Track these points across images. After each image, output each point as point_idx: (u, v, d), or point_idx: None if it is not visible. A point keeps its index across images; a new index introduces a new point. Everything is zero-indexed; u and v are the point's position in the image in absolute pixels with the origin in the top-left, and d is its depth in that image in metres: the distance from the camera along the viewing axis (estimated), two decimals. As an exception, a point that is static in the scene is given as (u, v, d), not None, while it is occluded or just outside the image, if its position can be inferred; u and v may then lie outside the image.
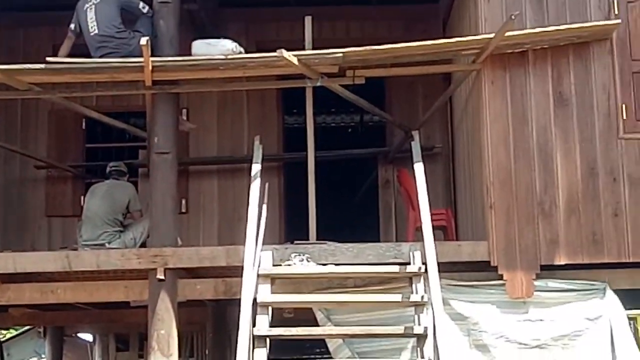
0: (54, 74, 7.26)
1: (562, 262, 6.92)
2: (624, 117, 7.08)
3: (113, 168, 8.49)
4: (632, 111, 7.10)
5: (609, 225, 6.94)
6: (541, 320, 6.85)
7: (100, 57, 7.40)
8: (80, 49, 7.61)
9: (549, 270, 6.96)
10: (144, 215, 8.14)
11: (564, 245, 6.92)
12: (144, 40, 6.86)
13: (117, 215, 8.13)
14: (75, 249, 7.95)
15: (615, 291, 6.94)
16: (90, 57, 7.45)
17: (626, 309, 6.91)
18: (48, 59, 7.25)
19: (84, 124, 10.07)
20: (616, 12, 7.14)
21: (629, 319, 6.92)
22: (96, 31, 7.51)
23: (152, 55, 7.05)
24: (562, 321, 6.84)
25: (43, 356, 13.34)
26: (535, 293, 6.86)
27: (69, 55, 7.51)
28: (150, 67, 7.04)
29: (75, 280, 7.38)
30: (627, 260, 6.93)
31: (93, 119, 9.02)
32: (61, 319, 10.50)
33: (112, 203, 8.15)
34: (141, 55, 6.97)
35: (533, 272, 6.88)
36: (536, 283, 6.87)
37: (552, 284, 6.93)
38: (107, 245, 7.89)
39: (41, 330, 12.56)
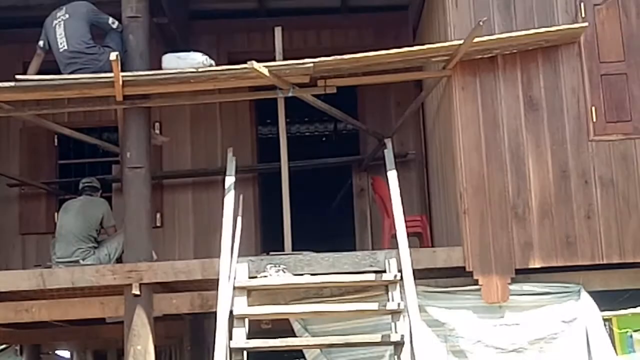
0: (23, 91, 7.21)
1: (537, 266, 6.95)
2: (594, 120, 7.13)
3: (86, 184, 8.44)
4: (602, 113, 7.15)
5: (582, 228, 6.98)
6: (517, 324, 6.88)
7: (70, 73, 7.35)
8: (50, 66, 7.57)
9: (523, 274, 6.99)
10: (118, 231, 8.10)
11: (538, 249, 6.95)
12: (113, 56, 6.83)
13: (90, 232, 8.08)
14: (50, 267, 7.89)
15: (590, 293, 6.97)
16: (60, 73, 7.41)
17: (601, 311, 6.95)
18: (17, 76, 7.21)
19: (56, 140, 10.03)
20: (583, 15, 7.20)
21: (604, 320, 6.95)
22: (65, 47, 7.46)
23: (123, 70, 7.03)
24: (538, 324, 6.87)
25: (21, 375, 13.20)
26: (510, 297, 6.88)
27: (39, 72, 7.47)
28: (120, 82, 7.01)
29: (50, 298, 7.32)
30: (601, 262, 6.97)
31: (65, 136, 8.97)
32: (37, 337, 10.41)
33: (86, 219, 8.10)
34: (111, 71, 6.95)
35: (508, 277, 6.91)
36: (511, 287, 6.90)
37: (527, 287, 6.96)
38: (81, 261, 7.84)
39: (18, 348, 12.44)
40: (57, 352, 13.07)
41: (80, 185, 8.48)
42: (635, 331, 6.99)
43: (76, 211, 8.17)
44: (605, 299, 7.04)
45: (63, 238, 8.05)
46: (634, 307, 7.10)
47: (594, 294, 6.97)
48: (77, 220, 8.09)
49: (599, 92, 7.18)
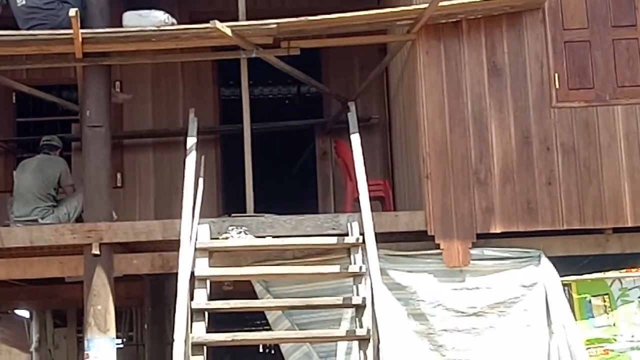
0: (-19, 47, 7.07)
1: (498, 231, 7.00)
2: (557, 87, 7.16)
3: (44, 142, 8.32)
4: (565, 80, 7.18)
5: (543, 194, 7.04)
6: (477, 288, 6.93)
7: (29, 28, 7.23)
8: (7, 22, 7.41)
9: (485, 238, 7.04)
10: (77, 190, 8.01)
11: (499, 214, 7.00)
12: (72, 12, 6.72)
13: (49, 190, 7.97)
14: (7, 225, 7.79)
15: (550, 258, 7.04)
16: (18, 29, 7.26)
17: (560, 276, 7.03)
18: (-26, 31, 7.05)
19: (14, 97, 9.85)
20: (548, -18, 7.19)
21: (564, 285, 7.02)
22: (24, 2, 7.33)
23: (82, 27, 6.92)
24: (498, 289, 6.93)
25: (-21, 334, 13.11)
26: (471, 262, 6.94)
27: (-3, 28, 7.31)
28: (80, 39, 6.90)
29: (9, 257, 7.24)
30: (561, 228, 7.04)
31: (23, 93, 8.82)
32: (-5, 296, 10.32)
33: (44, 178, 7.99)
34: (71, 27, 6.82)
35: (469, 241, 6.95)
36: (472, 252, 6.95)
37: (488, 252, 7.01)
38: (40, 220, 7.74)
39: (-24, 307, 12.33)
40: (16, 311, 12.98)
41: (40, 143, 8.36)
42: (594, 296, 7.06)
43: (33, 169, 8.05)
44: (565, 264, 7.11)
45: (21, 197, 7.94)
46: (593, 272, 7.17)
47: (554, 260, 7.04)
48: (35, 178, 7.98)
49: (562, 59, 7.21)
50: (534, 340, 6.90)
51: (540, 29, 7.22)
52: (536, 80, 7.17)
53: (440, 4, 6.83)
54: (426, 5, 6.87)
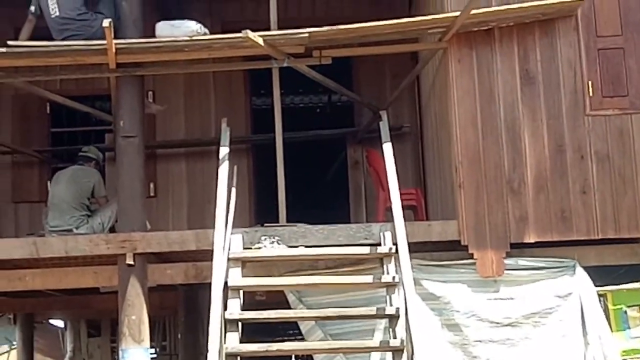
0: (15, 58, 7.14)
1: (532, 240, 6.94)
2: (590, 94, 7.10)
3: (81, 153, 8.41)
4: (598, 88, 7.11)
5: (578, 203, 6.97)
6: (512, 298, 6.88)
7: (63, 39, 7.28)
8: (42, 32, 7.48)
9: (518, 248, 6.98)
10: (111, 200, 8.06)
11: (533, 223, 6.94)
12: (106, 22, 6.76)
13: (83, 200, 8.02)
14: (43, 235, 7.85)
15: (585, 268, 6.97)
16: (52, 39, 7.33)
17: (596, 286, 6.96)
18: (9, 42, 7.11)
19: (48, 108, 9.95)
20: (581, -11, 7.14)
21: (599, 295, 6.95)
22: (57, 13, 7.39)
23: (116, 38, 6.96)
24: (533, 299, 6.87)
25: (14, 343, 13.22)
26: (505, 271, 6.88)
27: (31, 39, 7.39)
28: (113, 50, 6.94)
29: (44, 267, 7.30)
30: (596, 237, 6.97)
31: (57, 103, 8.91)
32: (31, 305, 10.42)
33: (77, 188, 8.05)
34: (104, 38, 6.87)
35: (503, 251, 6.90)
36: (506, 261, 6.89)
37: (522, 262, 6.95)
38: (75, 230, 7.80)
39: (11, 317, 12.45)
40: (51, 321, 13.09)
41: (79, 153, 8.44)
42: (629, 307, 6.99)
43: (67, 180, 8.12)
44: (600, 274, 7.04)
45: (55, 207, 8.01)
46: (629, 282, 7.09)
47: (589, 269, 6.97)
48: (69, 188, 8.05)
49: (596, 67, 7.14)
50: (569, 351, 6.82)
51: (573, 36, 7.17)
52: (569, 88, 7.11)
53: (472, 11, 6.80)
54: (458, 13, 6.84)
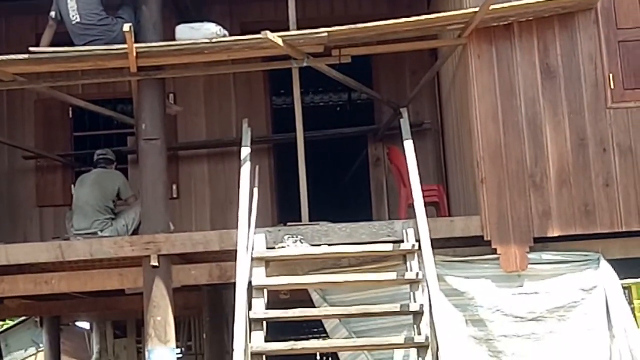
0: (37, 63, 7.19)
1: (555, 234, 6.93)
2: (612, 87, 7.07)
3: (100, 156, 8.43)
4: (620, 80, 7.09)
5: (601, 196, 6.95)
6: (536, 292, 6.86)
7: (84, 44, 7.34)
8: (63, 37, 7.55)
9: (542, 242, 6.97)
10: (133, 203, 8.11)
11: (556, 217, 6.92)
12: (126, 27, 6.80)
13: (107, 203, 8.07)
14: (67, 239, 7.91)
15: (609, 261, 6.95)
16: (73, 45, 7.38)
17: (620, 279, 6.93)
18: (31, 48, 7.18)
19: (70, 112, 10.02)
20: (600, -18, 7.11)
21: (624, 288, 6.92)
22: (78, 19, 7.45)
23: (136, 41, 7.00)
24: (557, 293, 6.86)
25: (41, 345, 13.35)
26: (529, 266, 6.87)
27: (52, 44, 7.45)
28: (134, 54, 6.99)
29: (69, 270, 7.37)
30: (620, 230, 6.94)
31: (80, 107, 8.98)
32: (57, 308, 10.52)
33: (102, 191, 8.10)
34: (125, 42, 6.92)
35: (526, 245, 6.89)
36: (530, 256, 6.88)
37: (546, 256, 6.94)
38: (99, 233, 7.86)
39: (38, 320, 12.58)
40: (77, 323, 13.20)
41: (95, 157, 8.48)
42: (654, 299, 6.96)
43: (91, 183, 8.17)
44: (625, 267, 7.02)
45: (80, 210, 8.06)
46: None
47: (613, 262, 6.95)
48: (93, 191, 8.09)
49: (617, 59, 7.11)
50: (594, 345, 6.81)
51: (593, 29, 7.14)
52: (590, 82, 7.09)
53: (491, 7, 6.79)
54: (477, 8, 6.83)
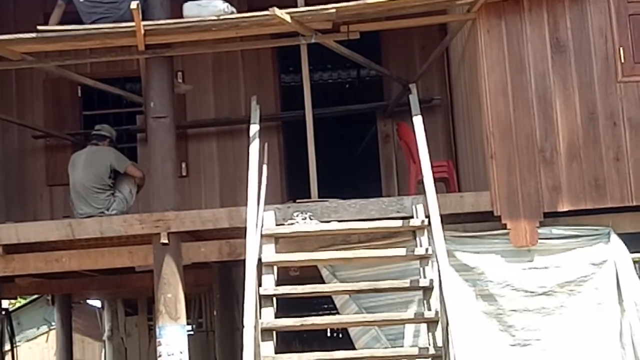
0: (45, 42, 7.19)
1: (565, 209, 6.91)
2: (622, 61, 7.03)
3: (94, 132, 8.24)
4: (630, 54, 7.04)
5: (611, 170, 6.92)
6: (546, 267, 6.86)
7: (91, 23, 7.32)
8: (72, 16, 7.53)
9: (552, 217, 6.95)
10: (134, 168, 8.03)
11: (566, 192, 6.91)
12: (134, 4, 6.78)
13: (104, 181, 7.84)
14: (77, 219, 7.89)
15: (620, 235, 6.94)
16: (81, 23, 7.37)
17: (631, 253, 6.92)
18: (39, 27, 7.17)
19: (79, 91, 10.01)
20: (610, -46, 7.05)
21: (634, 262, 6.92)
22: (86, -3, 7.42)
23: (144, 19, 6.98)
24: (568, 267, 6.85)
25: (53, 324, 13.44)
26: (539, 241, 6.86)
27: (60, 23, 7.43)
28: (142, 32, 6.97)
29: (80, 248, 7.39)
30: (630, 204, 6.92)
31: (88, 86, 8.97)
32: (68, 286, 10.57)
33: (95, 171, 7.87)
34: (132, 20, 6.90)
35: (536, 220, 6.88)
36: (540, 231, 6.87)
37: (556, 230, 6.93)
38: (106, 212, 7.76)
39: (49, 298, 12.64)
40: (88, 301, 13.27)
41: (92, 133, 8.37)
42: (665, 273, 6.94)
43: (83, 165, 7.94)
44: (635, 241, 7.00)
45: (79, 195, 7.82)
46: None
47: (623, 236, 6.94)
48: (87, 174, 7.87)
49: (627, 33, 7.07)
50: (605, 319, 6.81)
51: (603, 3, 7.08)
52: (601, 55, 7.04)
53: (500, -19, 6.74)
54: (486, -17, 6.79)
